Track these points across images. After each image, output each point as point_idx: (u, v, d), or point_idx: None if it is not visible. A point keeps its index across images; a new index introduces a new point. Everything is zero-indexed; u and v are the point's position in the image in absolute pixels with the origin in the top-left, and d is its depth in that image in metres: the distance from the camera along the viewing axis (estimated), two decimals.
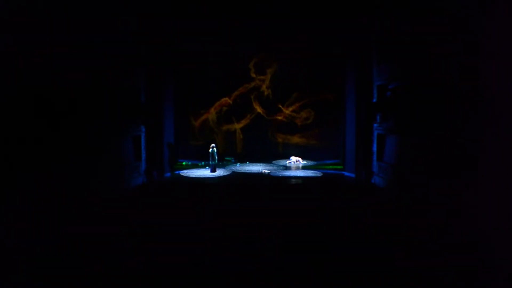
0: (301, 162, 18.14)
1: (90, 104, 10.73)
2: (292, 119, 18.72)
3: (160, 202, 11.91)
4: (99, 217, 9.53)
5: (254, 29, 14.76)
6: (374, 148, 14.54)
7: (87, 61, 10.52)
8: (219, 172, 16.44)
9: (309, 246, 8.15)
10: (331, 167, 17.42)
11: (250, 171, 16.89)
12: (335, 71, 17.04)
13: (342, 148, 17.22)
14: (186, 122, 18.46)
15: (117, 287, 6.69)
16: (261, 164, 18.12)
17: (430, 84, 10.18)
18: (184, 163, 18.09)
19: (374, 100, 14.39)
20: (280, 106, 18.68)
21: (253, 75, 18.44)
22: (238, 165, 18.12)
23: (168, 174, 16.14)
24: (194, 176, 15.90)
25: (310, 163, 18.26)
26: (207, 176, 15.91)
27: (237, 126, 18.93)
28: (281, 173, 16.46)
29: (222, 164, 17.88)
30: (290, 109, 18.65)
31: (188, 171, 16.79)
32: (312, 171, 16.76)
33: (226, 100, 18.69)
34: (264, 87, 18.61)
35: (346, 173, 16.18)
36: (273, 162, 18.58)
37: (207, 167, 17.06)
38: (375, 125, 14.43)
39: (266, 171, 16.75)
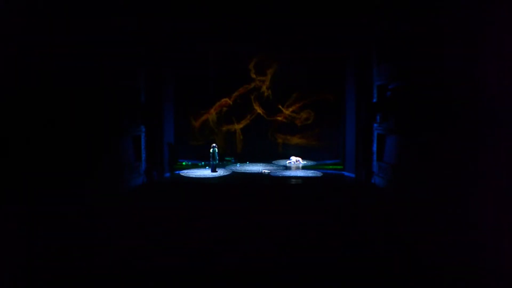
0: (301, 162, 18.14)
1: (90, 104, 10.73)
2: (292, 120, 18.71)
3: (160, 202, 11.91)
4: (99, 217, 9.52)
5: (254, 29, 14.74)
6: (374, 148, 14.54)
7: (87, 61, 10.53)
8: (219, 172, 16.44)
9: (309, 246, 8.15)
10: (331, 167, 17.42)
11: (250, 171, 16.89)
12: (335, 71, 17.04)
13: (342, 148, 17.22)
14: (186, 122, 18.45)
15: (117, 287, 6.68)
16: (261, 164, 18.12)
17: (430, 84, 10.17)
18: (184, 163, 18.08)
19: (374, 100, 14.39)
20: (280, 106, 18.68)
21: (253, 76, 18.44)
22: (238, 165, 18.12)
23: (168, 174, 16.14)
24: (194, 176, 15.90)
25: (310, 163, 18.26)
26: (207, 176, 15.91)
27: (237, 126, 18.93)
28: (281, 173, 16.46)
29: (222, 164, 17.88)
30: (290, 109, 18.64)
31: (188, 171, 16.79)
32: (312, 171, 16.76)
33: (226, 100, 18.69)
34: (264, 88, 18.61)
35: (346, 173, 16.18)
36: (273, 162, 18.58)
37: (207, 167, 17.06)
38: (375, 125, 14.43)
39: (266, 171, 16.75)
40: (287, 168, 17.62)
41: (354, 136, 15.62)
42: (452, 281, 6.64)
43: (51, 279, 6.68)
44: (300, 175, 16.18)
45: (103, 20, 11.31)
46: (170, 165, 16.63)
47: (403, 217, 9.73)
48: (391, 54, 13.21)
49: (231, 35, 15.27)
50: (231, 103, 18.70)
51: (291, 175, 16.18)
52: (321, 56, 17.09)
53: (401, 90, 12.37)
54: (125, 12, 12.83)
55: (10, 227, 7.53)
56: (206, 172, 16.44)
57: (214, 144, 16.60)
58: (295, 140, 18.88)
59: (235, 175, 16.30)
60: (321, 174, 16.25)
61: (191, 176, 15.94)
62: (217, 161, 16.52)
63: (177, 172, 16.64)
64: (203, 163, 17.70)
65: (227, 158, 18.62)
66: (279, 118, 18.78)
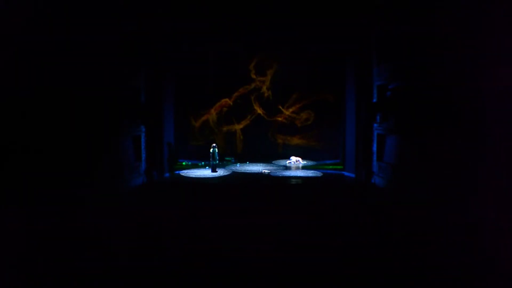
0: (301, 162, 18.14)
1: (90, 104, 10.73)
2: (292, 120, 18.72)
3: (160, 202, 11.91)
4: (99, 217, 9.52)
5: (254, 29, 14.75)
6: (374, 148, 14.54)
7: (87, 61, 10.53)
8: (219, 172, 16.44)
9: (309, 246, 8.14)
10: (331, 167, 17.41)
11: (250, 171, 16.89)
12: (335, 71, 17.02)
13: (342, 148, 17.22)
14: (186, 122, 18.46)
15: (117, 287, 6.68)
16: (261, 164, 18.12)
17: (430, 84, 10.18)
18: (184, 163, 18.08)
19: (374, 100, 14.39)
20: (280, 107, 18.69)
21: (254, 76, 18.45)
22: (238, 165, 18.13)
23: (168, 174, 16.14)
24: (194, 176, 15.90)
25: (310, 163, 18.26)
26: (207, 176, 15.91)
27: (237, 126, 18.93)
28: (281, 173, 16.46)
29: (222, 164, 17.88)
30: (290, 110, 18.65)
31: (188, 171, 16.79)
32: (312, 171, 16.76)
33: (226, 101, 18.69)
34: (264, 88, 18.61)
35: (346, 173, 16.18)
36: (273, 162, 18.58)
37: (207, 167, 17.07)
38: (375, 125, 14.43)
39: (266, 171, 16.75)
40: (287, 168, 17.61)
41: (354, 136, 15.61)
42: (452, 281, 6.64)
43: (51, 279, 6.68)
44: (300, 175, 16.18)
45: (103, 20, 11.32)
46: (170, 165, 16.63)
47: (403, 217, 9.72)
48: (391, 54, 13.20)
49: (231, 35, 15.28)
50: (231, 103, 18.71)
51: (291, 175, 16.18)
52: (321, 56, 17.13)
53: (401, 90, 12.38)
54: (125, 12, 12.84)
55: (10, 227, 7.53)
56: (206, 172, 16.44)
57: (214, 144, 16.61)
58: (295, 140, 18.88)
59: (235, 175, 16.30)
60: (321, 174, 16.24)
61: (191, 176, 15.94)
62: (217, 161, 16.52)
63: (177, 172, 16.64)
64: (203, 163, 17.70)
65: (227, 158, 18.62)
66: (279, 119, 18.78)
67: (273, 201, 11.90)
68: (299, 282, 6.80)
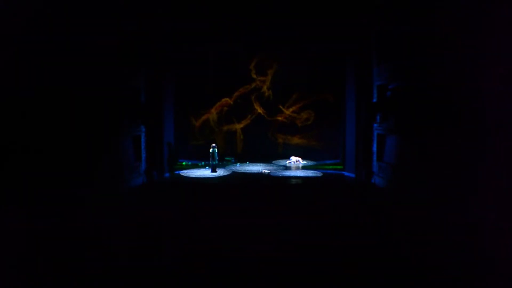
0: (301, 162, 18.14)
1: (90, 104, 10.73)
2: (293, 120, 18.73)
3: (160, 202, 11.91)
4: (99, 217, 9.52)
5: (254, 29, 14.75)
6: (374, 148, 14.54)
7: (87, 61, 10.53)
8: (219, 172, 16.44)
9: (309, 246, 8.15)
10: (331, 167, 17.41)
11: (250, 171, 16.89)
12: (335, 71, 17.03)
13: (342, 148, 17.21)
14: (186, 122, 18.45)
15: (117, 287, 6.68)
16: (261, 164, 18.12)
17: (430, 84, 10.17)
18: (184, 163, 18.08)
19: (374, 100, 14.39)
20: (281, 107, 18.69)
21: (254, 76, 18.46)
22: (238, 165, 18.12)
23: (167, 174, 16.14)
24: (194, 176, 15.90)
25: (310, 163, 18.25)
26: (207, 176, 15.91)
27: (238, 126, 18.94)
28: (281, 173, 16.46)
29: (222, 164, 17.88)
30: (291, 109, 18.65)
31: (188, 171, 16.79)
32: (312, 171, 16.76)
33: (226, 100, 18.70)
34: (264, 88, 18.62)
35: (346, 173, 16.18)
36: (273, 162, 18.57)
37: (207, 167, 17.07)
38: (375, 125, 14.43)
39: (266, 171, 16.75)
40: (287, 168, 17.61)
41: (354, 136, 15.61)
42: (452, 281, 6.64)
43: (51, 279, 6.68)
44: (300, 175, 16.17)
45: (103, 20, 11.32)
46: (170, 165, 16.63)
47: (403, 217, 9.72)
48: (391, 54, 13.20)
49: (231, 35, 15.28)
50: (231, 102, 18.71)
51: (291, 175, 16.17)
52: (321, 56, 17.14)
53: (401, 90, 12.37)
54: (125, 12, 12.84)
55: (10, 227, 7.53)
56: (206, 172, 16.44)
57: (213, 144, 16.61)
58: (296, 140, 18.88)
59: (235, 175, 16.30)
60: (321, 174, 16.24)
61: (191, 176, 15.94)
62: (216, 161, 16.52)
63: (177, 172, 16.64)
64: (203, 163, 17.70)
65: (227, 158, 18.62)
66: (280, 118, 18.79)
67: (273, 201, 11.90)
68: (299, 282, 6.80)
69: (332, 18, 14.04)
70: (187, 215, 10.32)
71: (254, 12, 14.01)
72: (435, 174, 9.67)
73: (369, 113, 14.58)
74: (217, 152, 16.57)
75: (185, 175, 16.16)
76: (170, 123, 17.04)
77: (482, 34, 7.89)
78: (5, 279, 6.58)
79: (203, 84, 18.35)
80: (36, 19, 8.68)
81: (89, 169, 10.62)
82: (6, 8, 7.89)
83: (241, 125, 18.89)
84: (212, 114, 18.77)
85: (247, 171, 16.91)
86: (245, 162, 18.46)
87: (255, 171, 16.82)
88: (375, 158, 14.51)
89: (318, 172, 16.46)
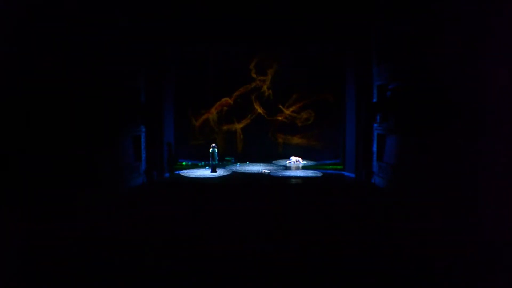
0: (301, 162, 18.14)
1: (90, 104, 10.74)
2: (293, 120, 18.73)
3: (160, 202, 11.91)
4: (99, 217, 9.53)
5: (254, 29, 14.75)
6: (374, 148, 14.54)
7: (87, 61, 10.53)
8: (219, 172, 16.44)
9: (309, 246, 8.15)
10: (331, 167, 17.41)
11: (250, 171, 16.89)
12: (335, 71, 17.04)
13: (342, 148, 17.21)
14: (186, 122, 18.46)
15: (117, 287, 6.69)
16: (261, 164, 18.12)
17: (430, 84, 10.17)
18: (184, 163, 18.09)
19: (374, 100, 14.39)
20: (281, 106, 18.69)
21: (254, 76, 18.47)
22: (238, 165, 18.13)
23: (167, 174, 16.14)
24: (194, 176, 15.90)
25: (310, 163, 18.26)
26: (207, 176, 15.92)
27: (238, 126, 18.95)
28: (281, 173, 16.46)
29: (222, 164, 17.89)
30: (291, 109, 18.66)
31: (188, 171, 16.79)
32: (312, 171, 16.76)
33: (227, 100, 18.71)
34: (264, 88, 18.62)
35: (346, 173, 16.18)
36: (273, 162, 18.58)
37: (207, 167, 17.07)
38: (375, 125, 14.43)
39: (266, 171, 16.75)
40: (287, 168, 17.62)
41: (354, 136, 15.61)
42: (452, 281, 6.64)
43: (51, 279, 6.69)
44: (300, 175, 16.18)
45: (103, 20, 11.32)
46: (170, 165, 16.63)
47: (403, 217, 9.73)
48: (391, 54, 13.20)
49: (231, 35, 15.27)
50: (231, 102, 18.72)
51: (291, 175, 16.18)
52: (321, 56, 17.15)
53: (401, 90, 12.37)
54: (125, 11, 12.84)
55: (10, 227, 7.53)
56: (206, 172, 16.44)
57: (213, 144, 16.62)
58: (296, 140, 18.90)
59: (235, 175, 16.30)
60: (321, 174, 16.24)
61: (191, 176, 15.94)
62: (216, 161, 16.53)
63: (177, 172, 16.64)
64: (203, 163, 17.71)
65: (227, 158, 18.63)
66: (280, 118, 18.80)
67: (273, 201, 11.89)
68: (299, 282, 6.80)
69: (332, 18, 14.06)
70: (187, 215, 10.32)
71: (254, 12, 14.02)
72: (435, 174, 9.66)
73: (369, 113, 14.58)
74: (217, 152, 16.58)
75: (185, 175, 16.16)
76: (170, 123, 17.03)
77: (482, 34, 7.88)
78: (5, 279, 6.58)
79: (203, 84, 18.36)
80: (36, 19, 8.68)
81: (89, 169, 10.62)
82: (5, 8, 7.89)
83: (241, 125, 18.90)
84: (212, 114, 18.78)
85: (247, 171, 16.91)
86: (245, 162, 18.46)
87: (255, 171, 16.82)
88: (375, 158, 14.51)
89: (318, 172, 16.46)
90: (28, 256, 7.26)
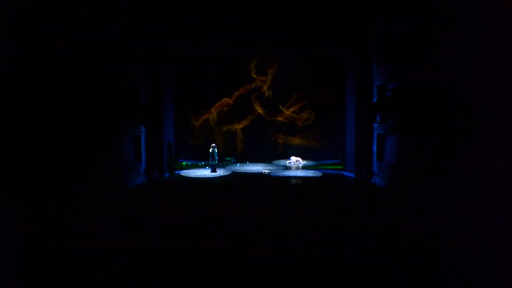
0: (301, 162, 18.14)
1: (90, 104, 10.73)
2: (293, 120, 18.72)
3: (160, 202, 11.91)
4: (99, 217, 9.52)
5: (254, 29, 14.74)
6: (374, 148, 14.54)
7: (87, 61, 10.53)
8: (219, 172, 16.44)
9: (309, 246, 8.15)
10: (331, 167, 17.41)
11: (250, 171, 16.89)
12: (335, 71, 17.04)
13: (342, 148, 17.21)
14: (186, 122, 18.45)
15: (116, 287, 6.69)
16: (261, 164, 18.12)
17: (430, 84, 10.17)
18: (184, 163, 18.09)
19: (374, 100, 14.39)
20: (281, 107, 18.69)
21: (254, 76, 18.46)
22: (238, 165, 18.13)
23: (167, 174, 16.14)
24: (194, 176, 15.90)
25: (310, 163, 18.26)
26: (207, 176, 15.91)
27: (238, 126, 18.93)
28: (281, 173, 16.46)
29: (222, 164, 17.89)
30: (291, 110, 18.65)
31: (188, 171, 16.79)
32: (312, 171, 16.76)
33: (227, 100, 18.69)
34: (265, 88, 18.62)
35: (346, 173, 16.18)
36: (273, 162, 18.58)
37: (207, 167, 17.07)
38: (375, 125, 14.43)
39: (266, 171, 16.75)
40: (287, 168, 17.61)
41: (354, 136, 15.61)
42: (452, 281, 6.64)
43: (51, 279, 6.69)
44: (300, 175, 16.17)
45: (103, 20, 11.31)
46: (170, 165, 16.63)
47: (403, 217, 9.72)
48: (391, 54, 13.20)
49: (231, 35, 15.26)
50: (231, 102, 18.71)
51: (291, 175, 16.17)
52: (321, 56, 17.14)
53: (401, 90, 12.37)
54: (125, 11, 12.83)
55: (10, 227, 7.53)
56: (206, 172, 16.44)
57: (213, 144, 16.62)
58: (296, 140, 18.88)
59: (235, 175, 16.30)
60: (321, 174, 16.24)
61: (191, 176, 15.94)
62: (216, 161, 16.52)
63: (177, 172, 16.64)
64: (203, 163, 17.71)
65: (227, 158, 18.63)
66: (280, 118, 18.78)
67: (273, 201, 11.90)
68: (299, 282, 6.80)
69: (332, 18, 14.05)
70: (187, 215, 10.32)
71: (254, 12, 14.01)
72: (435, 174, 9.66)
73: (369, 113, 14.57)
74: (217, 152, 16.58)
75: (185, 175, 16.16)
76: (170, 123, 17.04)
77: (482, 34, 7.88)
78: (5, 279, 6.58)
79: (203, 84, 18.35)
80: (36, 19, 8.67)
81: (89, 169, 10.62)
82: (5, 8, 7.89)
83: (241, 125, 18.89)
84: (212, 114, 18.76)
85: (247, 171, 16.91)
86: (245, 162, 18.46)
87: (255, 171, 16.82)
88: (375, 158, 14.51)
89: (318, 172, 16.45)
90: (28, 256, 7.26)
